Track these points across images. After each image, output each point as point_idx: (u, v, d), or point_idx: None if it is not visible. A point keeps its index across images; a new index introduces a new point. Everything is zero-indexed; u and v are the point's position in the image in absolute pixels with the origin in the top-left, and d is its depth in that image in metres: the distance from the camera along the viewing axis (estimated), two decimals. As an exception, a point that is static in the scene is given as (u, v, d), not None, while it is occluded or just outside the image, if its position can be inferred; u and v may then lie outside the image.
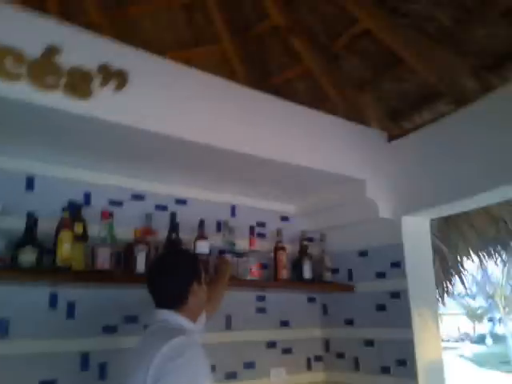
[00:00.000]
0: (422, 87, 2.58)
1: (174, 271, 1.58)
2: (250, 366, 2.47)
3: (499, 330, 21.28)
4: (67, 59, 1.58)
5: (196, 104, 1.89)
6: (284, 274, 2.49)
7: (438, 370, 2.35)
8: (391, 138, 2.57)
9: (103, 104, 1.64)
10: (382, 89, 2.66)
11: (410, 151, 2.45)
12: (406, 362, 2.32)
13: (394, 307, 2.43)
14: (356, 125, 2.49)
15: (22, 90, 1.49)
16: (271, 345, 2.58)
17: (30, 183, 1.99)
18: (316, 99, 2.27)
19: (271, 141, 2.09)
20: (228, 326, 2.44)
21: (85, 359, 1.97)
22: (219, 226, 2.48)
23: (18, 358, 1.82)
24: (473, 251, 3.66)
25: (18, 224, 1.83)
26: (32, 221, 1.85)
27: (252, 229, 2.48)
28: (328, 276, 2.66)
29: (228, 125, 1.97)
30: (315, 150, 2.25)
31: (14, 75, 1.46)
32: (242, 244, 2.42)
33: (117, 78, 1.68)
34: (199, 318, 1.67)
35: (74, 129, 1.72)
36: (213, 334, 2.33)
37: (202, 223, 2.29)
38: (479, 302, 21.56)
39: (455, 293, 5.87)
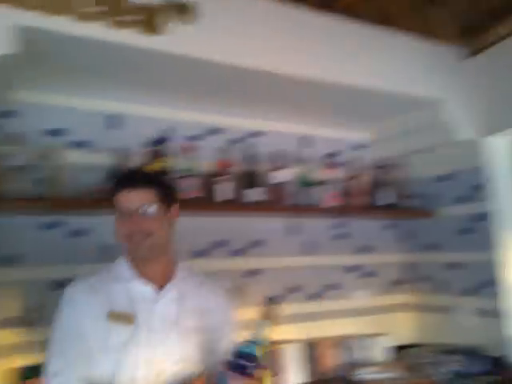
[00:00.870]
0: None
1: None
2: (332, 287, 2.59)
3: None
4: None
5: (268, 32, 1.92)
6: (361, 200, 2.52)
7: (524, 291, 2.31)
8: (467, 55, 2.42)
9: (178, 38, 1.72)
10: (455, 2, 2.45)
11: (488, 68, 2.30)
12: (490, 283, 2.31)
13: (478, 230, 2.39)
14: (429, 43, 2.37)
15: (98, 30, 1.58)
16: (353, 269, 2.67)
17: (114, 121, 2.17)
18: (385, 18, 2.18)
19: (345, 66, 2.07)
20: (307, 251, 2.55)
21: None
22: (295, 157, 2.55)
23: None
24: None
25: (107, 160, 2.03)
26: (123, 156, 2.05)
27: (328, 157, 2.53)
28: (406, 202, 2.65)
29: (298, 51, 1.97)
30: (389, 72, 2.19)
31: (89, 15, 1.56)
32: (319, 173, 2.49)
33: (188, 11, 1.75)
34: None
35: (151, 66, 1.82)
36: (292, 258, 2.48)
37: (277, 154, 2.38)
38: None
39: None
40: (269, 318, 1.31)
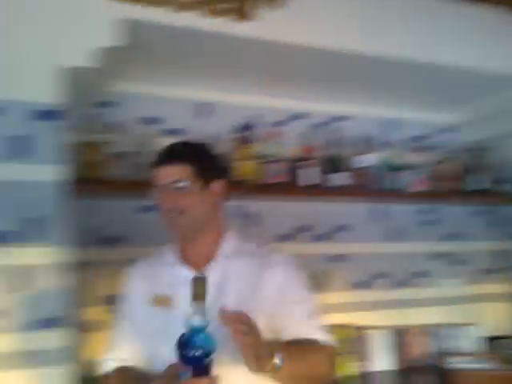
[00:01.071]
0: None
1: None
2: (420, 275, 2.52)
3: None
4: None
5: (355, 13, 1.88)
6: (450, 185, 2.42)
7: None
8: None
9: (268, 24, 1.73)
10: None
11: None
12: None
13: None
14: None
15: (195, 19, 1.63)
16: (441, 256, 2.58)
17: (204, 110, 2.24)
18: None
19: (437, 45, 1.98)
20: (393, 237, 2.50)
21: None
22: (380, 141, 2.50)
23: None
24: None
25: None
26: (212, 143, 2.12)
27: (415, 141, 2.46)
28: (499, 187, 2.51)
29: (387, 31, 1.92)
30: (481, 50, 2.07)
31: (187, 5, 1.61)
32: (406, 157, 2.42)
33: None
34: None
35: (241, 53, 1.85)
36: (378, 243, 2.45)
37: (361, 138, 2.35)
38: None
39: None
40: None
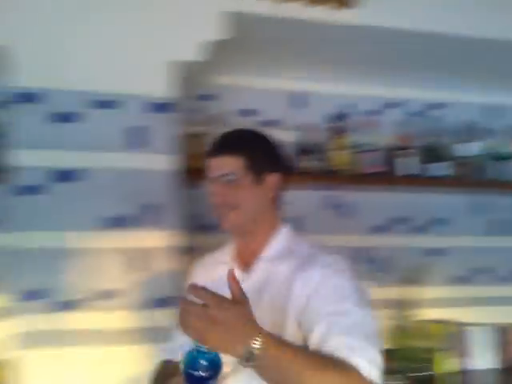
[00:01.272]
0: None
1: None
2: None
3: None
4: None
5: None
6: None
7: None
8: None
9: (369, 10, 1.70)
10: None
11: None
12: None
13: None
14: None
15: (296, 9, 1.65)
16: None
17: (298, 100, 2.25)
18: None
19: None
20: (496, 230, 2.37)
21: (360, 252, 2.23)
22: (483, 129, 2.36)
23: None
24: None
25: (293, 137, 2.12)
26: (307, 133, 2.14)
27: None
28: None
29: (493, 15, 1.82)
30: None
31: None
32: (511, 146, 2.28)
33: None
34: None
35: (341, 41, 1.84)
36: (479, 237, 2.33)
37: (462, 126, 2.24)
38: None
39: None
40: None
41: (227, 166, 1.13)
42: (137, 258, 1.53)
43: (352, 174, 2.07)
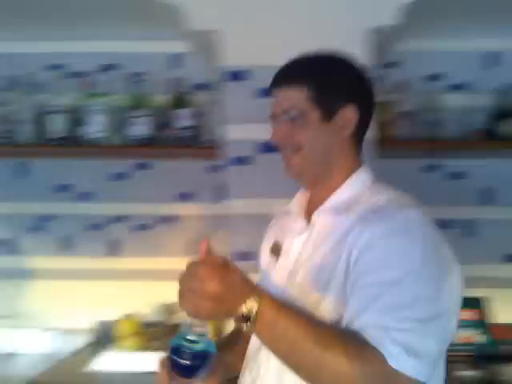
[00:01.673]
0: None
1: None
2: None
3: None
4: None
5: None
6: None
7: None
8: None
9: None
10: None
11: None
12: None
13: None
14: None
15: None
16: None
17: (491, 60, 2.06)
18: None
19: None
20: None
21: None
22: None
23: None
24: None
25: (486, 101, 1.95)
26: (502, 96, 1.94)
27: None
28: None
29: None
30: None
31: None
32: None
33: None
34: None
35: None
36: None
37: None
38: None
39: None
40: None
41: (288, 100, 0.94)
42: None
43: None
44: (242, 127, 1.61)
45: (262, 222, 1.53)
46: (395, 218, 0.84)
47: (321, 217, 0.95)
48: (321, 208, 0.95)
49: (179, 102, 1.92)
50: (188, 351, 0.80)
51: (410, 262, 0.78)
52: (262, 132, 1.59)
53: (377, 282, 0.78)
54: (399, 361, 0.72)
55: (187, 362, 0.80)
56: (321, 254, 0.89)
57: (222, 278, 0.73)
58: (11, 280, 2.06)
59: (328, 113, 0.93)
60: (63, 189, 2.09)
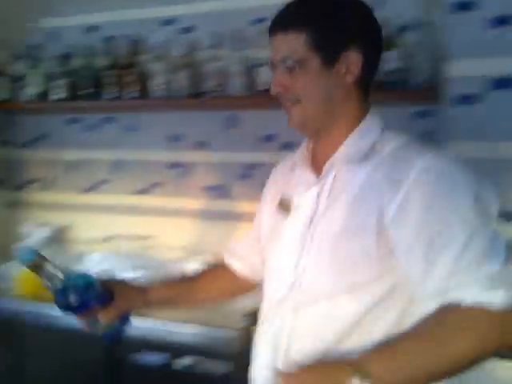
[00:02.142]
0: None
1: None
2: None
3: None
4: None
5: None
6: None
7: None
8: None
9: None
10: None
11: None
12: None
13: None
14: None
15: None
16: None
17: None
18: None
19: None
20: None
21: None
22: None
23: None
24: None
25: None
26: None
27: None
28: None
29: None
30: None
31: None
32: None
33: None
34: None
35: None
36: None
37: None
38: None
39: None
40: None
41: (285, 46, 0.87)
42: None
43: None
44: (471, 61, 1.47)
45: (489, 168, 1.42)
46: (433, 163, 0.82)
47: (334, 168, 0.91)
48: (332, 159, 0.92)
49: (386, 44, 1.83)
50: (72, 291, 0.89)
51: (461, 208, 0.78)
52: (496, 66, 1.46)
53: (432, 235, 0.77)
54: (501, 301, 0.72)
55: (75, 301, 0.90)
56: (341, 205, 0.87)
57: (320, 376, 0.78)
58: (222, 221, 2.26)
59: (329, 59, 0.87)
60: (268, 139, 2.19)
